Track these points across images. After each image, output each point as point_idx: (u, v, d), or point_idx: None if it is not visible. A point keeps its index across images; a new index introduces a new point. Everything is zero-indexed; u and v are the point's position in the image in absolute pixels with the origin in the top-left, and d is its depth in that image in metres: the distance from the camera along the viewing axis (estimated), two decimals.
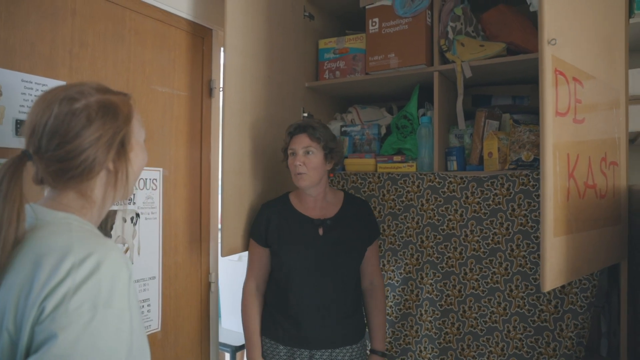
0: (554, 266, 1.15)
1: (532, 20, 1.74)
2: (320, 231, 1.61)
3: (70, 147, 0.81)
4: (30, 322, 0.72)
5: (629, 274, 1.55)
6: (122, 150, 0.87)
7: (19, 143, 1.25)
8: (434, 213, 1.83)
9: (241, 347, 2.27)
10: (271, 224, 1.64)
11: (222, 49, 1.92)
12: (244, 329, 1.67)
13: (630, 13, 1.64)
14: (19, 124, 1.28)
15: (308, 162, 1.57)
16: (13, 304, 0.74)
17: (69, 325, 0.70)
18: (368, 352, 1.72)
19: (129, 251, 1.57)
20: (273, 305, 1.66)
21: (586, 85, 1.31)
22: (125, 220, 1.56)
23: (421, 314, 1.85)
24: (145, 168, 1.60)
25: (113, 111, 0.86)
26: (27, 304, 0.72)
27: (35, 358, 0.69)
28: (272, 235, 1.63)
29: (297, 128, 1.62)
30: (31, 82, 1.31)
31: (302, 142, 1.59)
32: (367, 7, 1.93)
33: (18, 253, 0.78)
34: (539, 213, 1.65)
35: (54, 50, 1.37)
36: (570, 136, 1.23)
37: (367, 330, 1.73)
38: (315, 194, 1.64)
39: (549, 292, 1.63)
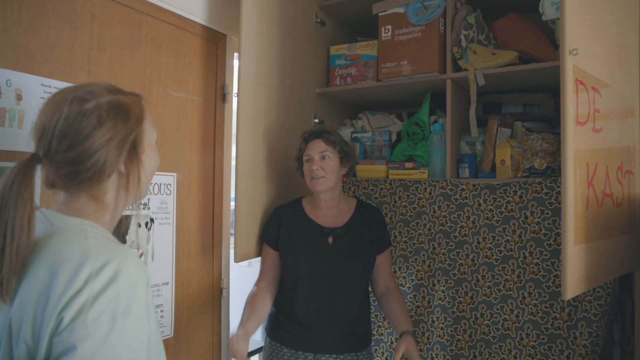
0: (574, 274, 1.16)
1: (544, 29, 1.76)
2: (330, 240, 1.61)
3: (81, 149, 0.79)
4: (49, 333, 0.70)
5: None
6: (133, 152, 0.85)
7: None
8: (446, 220, 1.83)
9: (252, 353, 2.27)
10: (282, 228, 1.64)
11: (235, 54, 1.93)
12: (244, 307, 1.60)
13: None
14: None
15: (325, 166, 1.58)
16: (30, 315, 0.72)
17: (88, 336, 0.69)
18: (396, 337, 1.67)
19: (143, 256, 1.56)
20: (280, 308, 1.66)
21: (604, 95, 1.32)
22: (139, 225, 1.55)
23: (433, 321, 1.85)
24: (159, 173, 1.61)
25: (124, 112, 0.84)
26: (45, 314, 0.71)
27: None
28: (283, 239, 1.64)
29: (312, 134, 1.63)
30: (50, 87, 1.31)
31: (318, 147, 1.59)
32: (379, 14, 1.94)
33: (33, 261, 0.76)
34: (552, 221, 1.66)
35: (73, 55, 1.37)
36: (589, 145, 1.24)
37: (372, 341, 1.73)
38: (329, 199, 1.64)
39: (562, 300, 1.63)
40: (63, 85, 1.33)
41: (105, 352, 0.69)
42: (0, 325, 0.77)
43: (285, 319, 1.63)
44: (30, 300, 0.73)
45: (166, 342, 1.64)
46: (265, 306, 1.61)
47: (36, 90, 1.27)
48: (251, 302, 1.59)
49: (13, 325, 0.74)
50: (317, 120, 2.05)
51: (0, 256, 0.75)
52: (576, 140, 1.17)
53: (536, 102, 1.98)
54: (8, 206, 0.76)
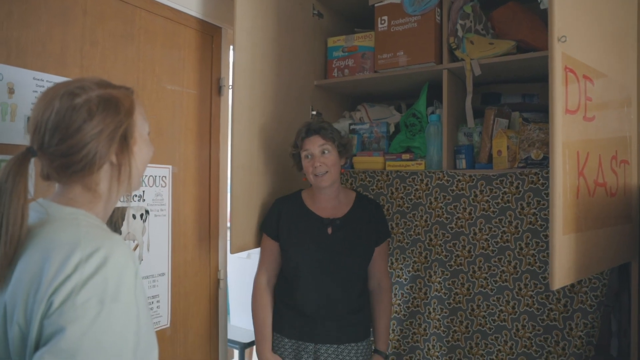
0: (563, 264, 1.15)
1: (542, 18, 1.73)
2: (329, 230, 1.62)
3: (72, 142, 0.81)
4: (39, 315, 0.73)
5: (639, 273, 1.54)
6: (124, 143, 0.87)
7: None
8: (442, 211, 1.82)
9: (250, 344, 2.29)
10: (282, 219, 1.66)
11: (231, 47, 1.93)
12: (254, 322, 1.67)
13: None
14: None
15: (327, 161, 1.59)
16: (23, 298, 0.75)
17: (77, 319, 0.71)
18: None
19: (138, 248, 1.58)
20: (280, 299, 1.67)
21: (597, 83, 1.30)
22: (134, 217, 1.57)
23: (429, 312, 1.85)
24: (154, 165, 1.63)
25: (114, 105, 0.86)
26: (37, 298, 0.73)
27: (43, 351, 0.70)
28: (282, 230, 1.65)
29: (309, 131, 1.62)
30: (42, 80, 1.32)
31: (317, 142, 1.60)
32: (375, 5, 1.93)
33: (27, 248, 0.79)
34: (548, 211, 1.64)
35: (65, 49, 1.38)
36: (580, 134, 1.22)
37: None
38: (329, 192, 1.65)
39: (558, 291, 1.62)
40: (56, 79, 1.35)
41: (92, 335, 0.72)
42: None
43: (286, 309, 1.65)
44: (23, 284, 0.76)
45: (163, 332, 1.67)
46: (270, 314, 1.67)
47: (28, 84, 1.29)
48: (260, 320, 1.66)
49: (7, 308, 0.77)
50: (314, 112, 2.05)
51: None
52: (565, 129, 1.15)
53: (535, 92, 1.95)
54: (3, 198, 0.79)
